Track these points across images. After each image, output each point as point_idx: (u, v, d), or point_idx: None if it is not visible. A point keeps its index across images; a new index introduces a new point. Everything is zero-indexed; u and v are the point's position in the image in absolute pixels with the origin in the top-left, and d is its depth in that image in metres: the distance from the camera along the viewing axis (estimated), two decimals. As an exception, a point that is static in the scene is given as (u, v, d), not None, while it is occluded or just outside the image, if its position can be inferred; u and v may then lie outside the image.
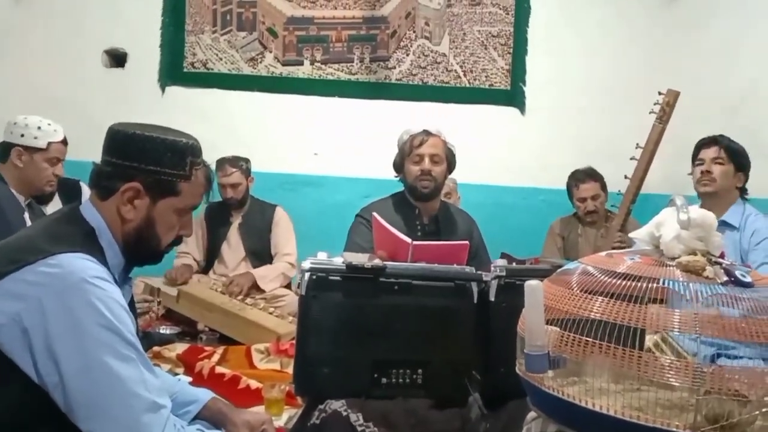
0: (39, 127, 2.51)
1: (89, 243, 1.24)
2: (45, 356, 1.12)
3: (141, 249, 1.32)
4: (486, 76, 4.26)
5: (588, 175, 3.47)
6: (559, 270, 1.19)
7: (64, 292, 1.13)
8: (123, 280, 1.33)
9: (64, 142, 2.61)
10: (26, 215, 2.53)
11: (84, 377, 1.12)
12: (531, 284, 1.07)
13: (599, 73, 4.25)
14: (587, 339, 1.01)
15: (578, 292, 1.07)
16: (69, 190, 2.76)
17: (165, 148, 1.27)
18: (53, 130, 2.55)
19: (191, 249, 3.65)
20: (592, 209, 3.43)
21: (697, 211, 1.12)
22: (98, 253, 1.23)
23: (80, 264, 1.16)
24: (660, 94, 2.47)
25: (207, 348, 2.81)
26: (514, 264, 1.81)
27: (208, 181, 1.37)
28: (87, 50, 4.12)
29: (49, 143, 2.52)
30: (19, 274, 1.14)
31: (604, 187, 3.47)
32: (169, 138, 1.28)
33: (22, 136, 2.49)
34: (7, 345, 1.12)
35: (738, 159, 2.51)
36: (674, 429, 0.93)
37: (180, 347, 2.79)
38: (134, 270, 1.41)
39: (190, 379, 2.39)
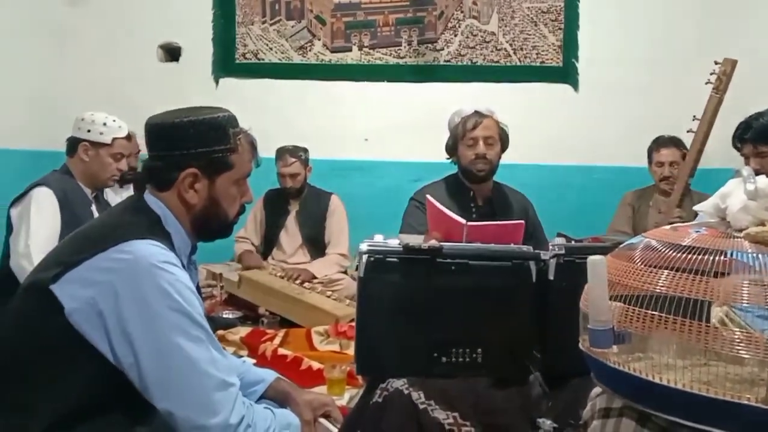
0: (104, 123, 2.61)
1: (156, 230, 1.29)
2: (120, 338, 1.18)
3: (211, 227, 1.39)
4: (537, 54, 4.17)
5: (671, 140, 3.42)
6: (621, 245, 1.17)
7: (135, 277, 1.19)
8: (189, 263, 1.39)
9: (128, 138, 2.71)
10: (93, 207, 2.64)
11: (157, 358, 1.18)
12: (594, 259, 1.05)
13: (653, 46, 4.10)
14: (653, 313, 0.99)
15: (642, 266, 1.05)
16: None
17: (207, 128, 1.31)
18: (118, 127, 2.64)
19: (249, 235, 3.74)
20: (668, 175, 3.37)
21: (764, 181, 1.08)
22: (165, 239, 1.29)
23: (149, 250, 1.22)
24: (716, 63, 2.37)
25: (269, 331, 2.89)
26: (572, 243, 1.78)
27: (252, 145, 1.41)
28: (142, 46, 4.24)
29: (114, 139, 2.62)
30: (92, 262, 1.20)
31: (684, 157, 3.40)
32: (207, 117, 1.31)
33: (89, 131, 2.60)
34: (85, 328, 1.18)
35: None
36: (746, 402, 0.91)
37: (243, 330, 2.88)
38: (197, 257, 1.47)
39: (254, 361, 2.46)
